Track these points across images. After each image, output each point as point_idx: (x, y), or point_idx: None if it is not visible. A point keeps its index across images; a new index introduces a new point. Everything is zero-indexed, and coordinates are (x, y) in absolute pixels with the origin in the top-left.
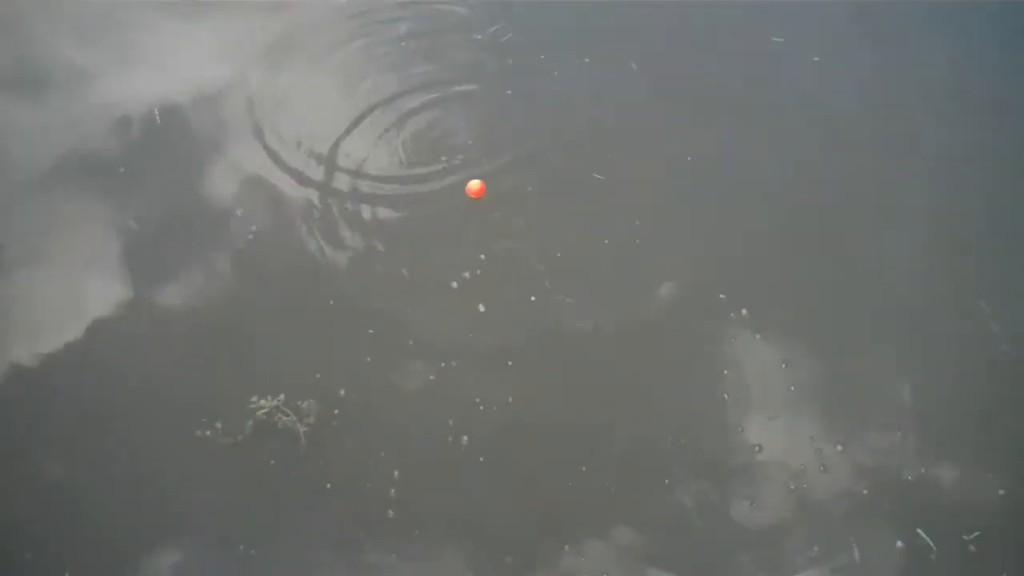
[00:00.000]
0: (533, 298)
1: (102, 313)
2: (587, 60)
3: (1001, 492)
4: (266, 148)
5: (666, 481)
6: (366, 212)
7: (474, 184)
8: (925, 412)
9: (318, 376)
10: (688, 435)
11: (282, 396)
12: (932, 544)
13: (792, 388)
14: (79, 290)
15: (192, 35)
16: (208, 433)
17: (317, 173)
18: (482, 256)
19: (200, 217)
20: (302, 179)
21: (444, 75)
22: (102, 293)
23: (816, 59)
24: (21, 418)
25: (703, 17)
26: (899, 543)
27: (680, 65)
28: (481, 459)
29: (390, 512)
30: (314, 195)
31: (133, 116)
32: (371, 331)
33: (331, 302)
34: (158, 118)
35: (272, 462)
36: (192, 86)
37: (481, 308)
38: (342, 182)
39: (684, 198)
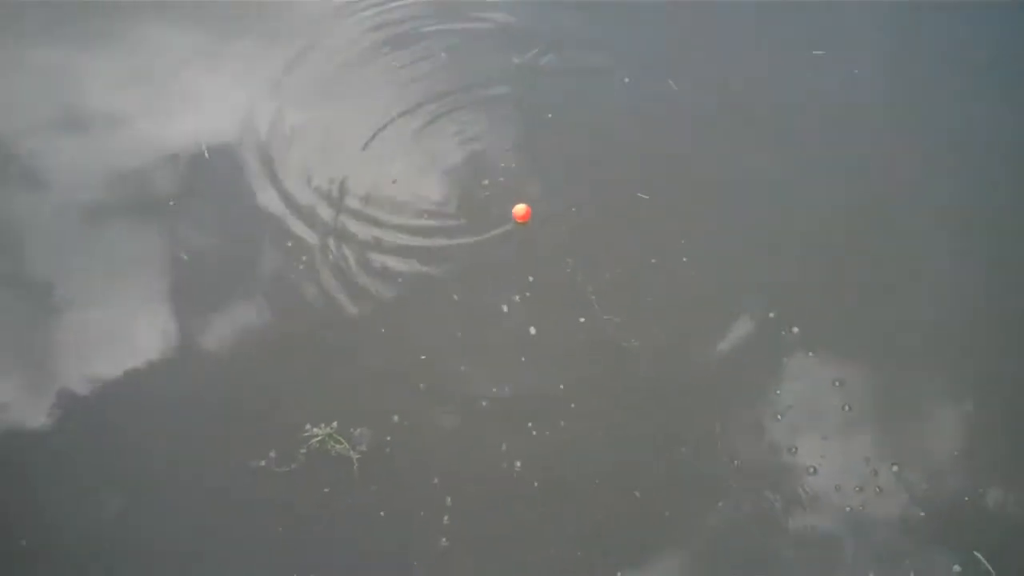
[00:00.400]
0: (582, 319)
1: (154, 347)
2: (627, 80)
3: None
4: (309, 183)
5: (719, 504)
6: (415, 240)
7: (520, 208)
8: (982, 431)
9: (371, 404)
10: (741, 456)
11: (335, 424)
12: (991, 568)
13: (846, 407)
14: (130, 325)
15: (227, 72)
16: (263, 463)
17: (364, 203)
18: (530, 278)
19: (251, 247)
20: (349, 208)
21: (485, 98)
22: (153, 327)
23: (857, 71)
24: (78, 455)
25: (743, 33)
26: (956, 567)
27: (721, 82)
28: (535, 484)
29: (443, 540)
30: (364, 224)
31: (181, 153)
32: (423, 357)
33: (383, 329)
34: (206, 153)
35: (326, 490)
36: (238, 123)
37: (532, 331)
38: (389, 211)
39: (730, 216)
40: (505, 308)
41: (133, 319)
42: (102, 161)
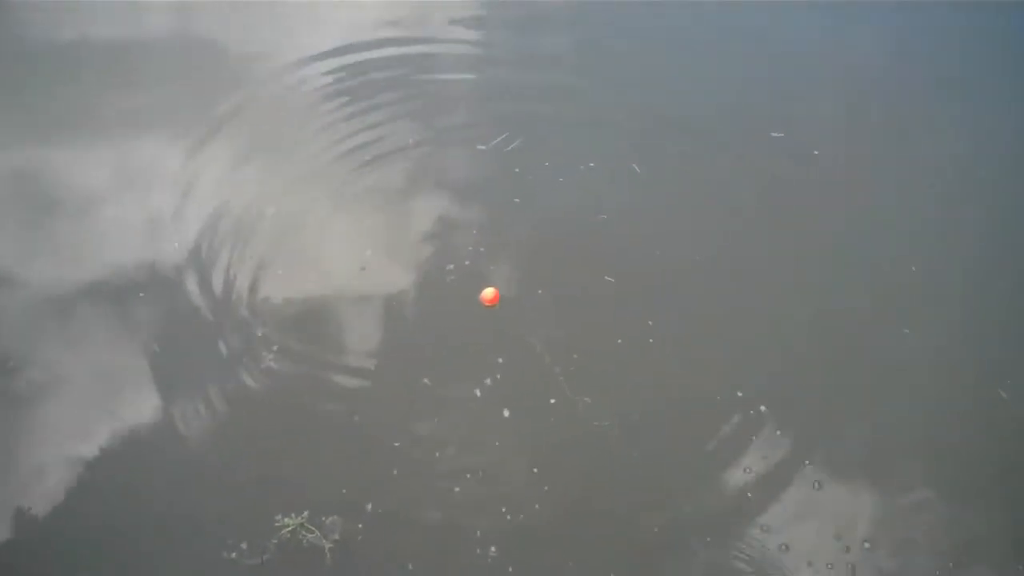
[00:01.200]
0: (552, 400)
1: (123, 436)
2: (592, 165)
3: None
4: (283, 269)
5: None
6: (385, 325)
7: (488, 292)
8: (953, 508)
9: (344, 492)
10: (713, 533)
11: (306, 513)
12: None
13: (816, 484)
14: (100, 413)
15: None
16: (234, 555)
17: (338, 289)
18: (500, 360)
19: (221, 337)
20: (324, 297)
21: (450, 184)
22: (123, 415)
23: (816, 152)
24: (45, 547)
25: (701, 117)
26: None
27: (681, 166)
28: (510, 569)
29: None
30: (338, 312)
31: (151, 231)
32: (396, 444)
33: (355, 417)
34: (176, 244)
35: None
36: (213, 208)
37: (506, 413)
38: (361, 296)
39: (694, 297)
40: (478, 392)
41: (103, 405)
42: (74, 244)
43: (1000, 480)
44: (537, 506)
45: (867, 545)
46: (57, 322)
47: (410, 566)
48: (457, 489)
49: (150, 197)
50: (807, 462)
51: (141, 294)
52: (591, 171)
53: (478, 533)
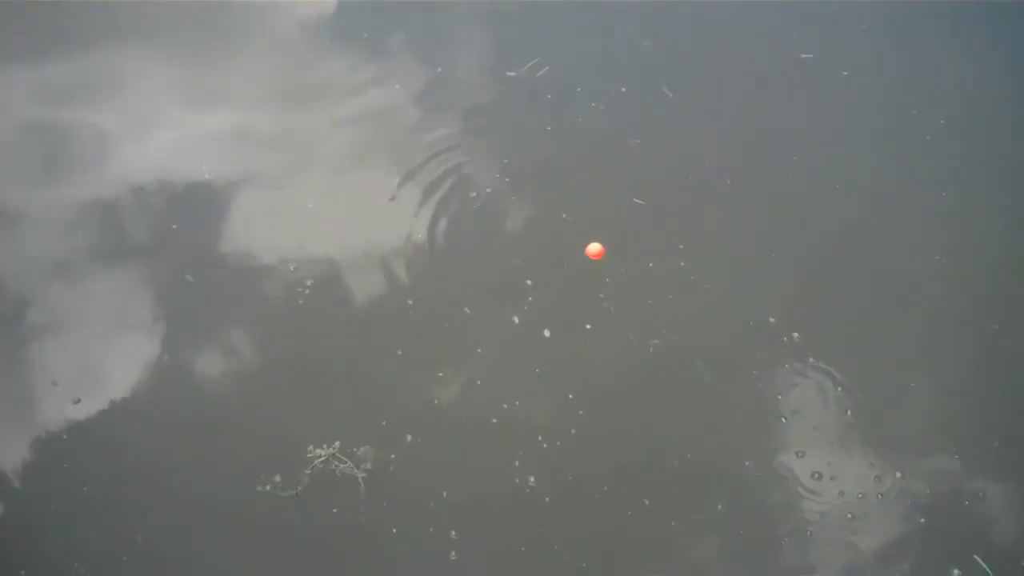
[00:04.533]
0: (588, 326)
1: (154, 374)
2: (623, 89)
3: None
4: (313, 203)
5: (719, 507)
6: (422, 253)
7: (594, 247)
8: (982, 436)
9: (384, 423)
10: (748, 459)
11: (337, 443)
12: (989, 571)
13: (849, 412)
14: (130, 350)
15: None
16: (268, 487)
17: (369, 221)
18: (529, 281)
19: (254, 272)
20: (355, 230)
21: (479, 112)
22: (153, 352)
23: (845, 73)
24: (81, 482)
25: (731, 40)
26: (956, 571)
27: (712, 90)
28: (547, 499)
29: (452, 554)
30: (371, 244)
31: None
32: (440, 374)
33: (399, 352)
34: (206, 174)
35: (334, 510)
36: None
37: (547, 333)
38: (392, 227)
39: (728, 222)
40: (516, 319)
41: (134, 344)
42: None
43: None
44: (573, 431)
45: (899, 475)
46: (77, 263)
47: (444, 494)
48: (495, 420)
49: (166, 137)
50: (840, 388)
51: (174, 226)
52: (623, 96)
53: (516, 463)
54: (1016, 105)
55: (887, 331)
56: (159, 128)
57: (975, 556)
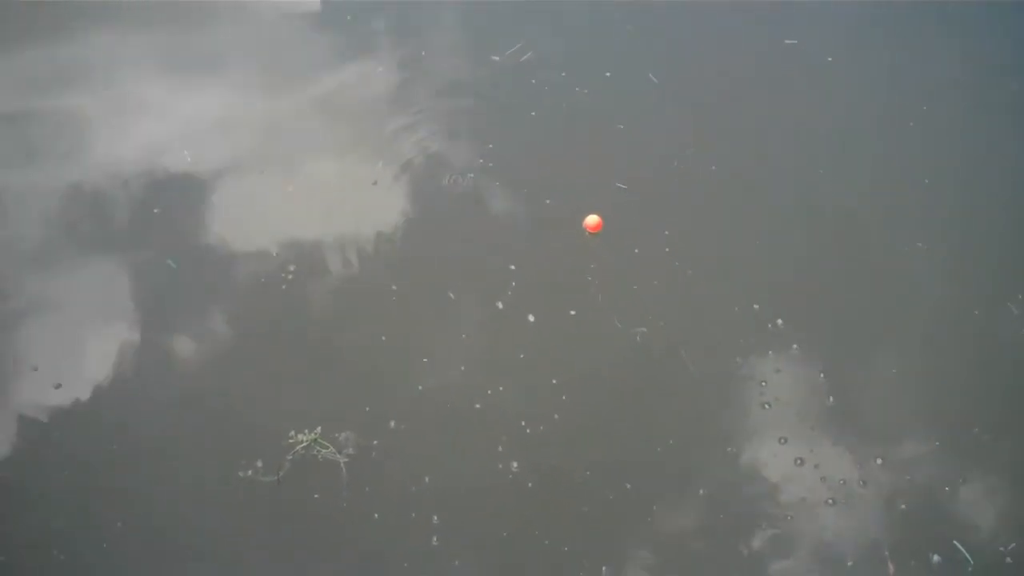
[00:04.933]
0: (573, 312)
1: (132, 360)
2: (608, 75)
3: None
4: (294, 187)
5: (700, 492)
6: (406, 238)
7: (592, 219)
8: (963, 423)
9: (367, 409)
10: (730, 445)
11: (319, 428)
12: (969, 557)
13: (831, 399)
14: (107, 335)
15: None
16: (250, 473)
17: (353, 206)
18: (512, 267)
19: (236, 258)
20: (339, 215)
21: (463, 96)
22: (130, 337)
23: (830, 59)
24: (60, 463)
25: (716, 26)
26: (936, 557)
27: (697, 75)
28: (529, 485)
29: (434, 539)
30: (355, 230)
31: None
32: (424, 360)
33: (383, 338)
34: (188, 158)
35: (316, 496)
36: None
37: (531, 319)
38: (385, 209)
39: (713, 209)
40: (500, 305)
41: (115, 329)
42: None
43: (1012, 397)
44: (556, 416)
45: (880, 461)
46: (58, 249)
47: (427, 479)
48: (478, 406)
49: (151, 126)
50: (822, 375)
51: (156, 210)
52: (607, 81)
53: (500, 448)
54: (999, 92)
55: (870, 318)
56: (140, 114)
57: (955, 542)
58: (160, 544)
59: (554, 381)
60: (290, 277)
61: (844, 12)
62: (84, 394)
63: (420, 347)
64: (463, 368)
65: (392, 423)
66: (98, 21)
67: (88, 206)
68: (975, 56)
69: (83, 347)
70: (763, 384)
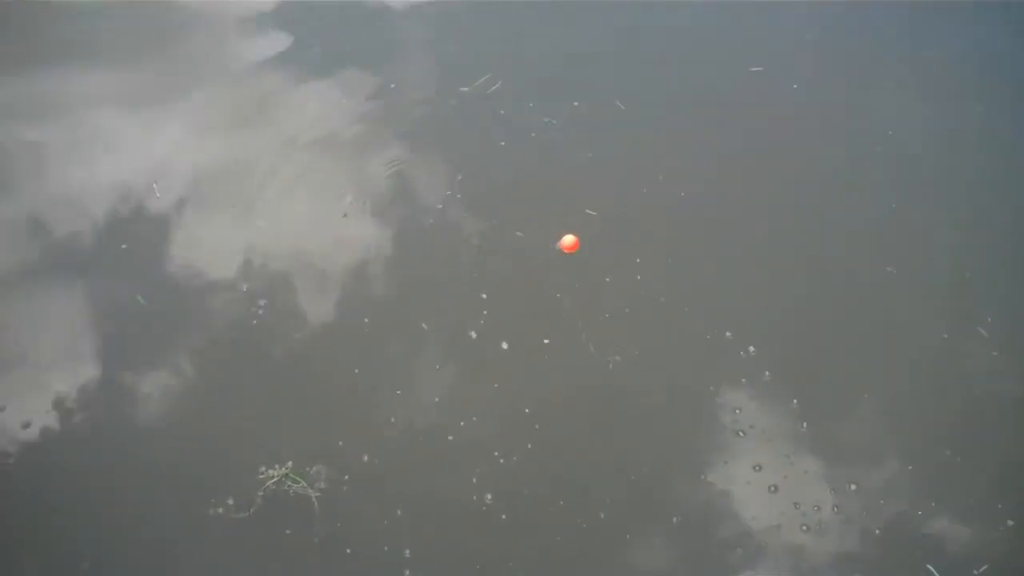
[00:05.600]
0: (546, 340)
1: (104, 394)
2: (576, 104)
3: (1010, 523)
4: (265, 221)
5: (674, 520)
6: (377, 270)
7: (568, 239)
8: (936, 447)
9: (340, 443)
10: (705, 471)
11: (289, 463)
12: None
13: (805, 425)
14: (82, 370)
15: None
16: (220, 510)
17: (323, 238)
18: (484, 296)
19: (206, 292)
20: (309, 247)
21: (431, 129)
22: (103, 372)
23: (795, 86)
24: (28, 503)
25: (681, 53)
26: None
27: (664, 103)
28: (503, 517)
29: (406, 573)
30: (325, 261)
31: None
32: (398, 392)
33: (355, 371)
34: (157, 192)
35: (288, 531)
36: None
37: (504, 346)
38: (346, 243)
39: (681, 236)
40: (473, 334)
41: (84, 367)
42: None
43: (982, 420)
44: (529, 445)
45: (853, 487)
46: (25, 283)
47: (399, 512)
48: (451, 438)
49: (118, 161)
50: (795, 401)
51: (123, 246)
52: (575, 110)
53: (474, 480)
54: (966, 114)
55: (842, 344)
56: (108, 147)
57: (928, 566)
58: None
59: (527, 410)
60: (260, 312)
61: (808, 40)
62: (52, 433)
63: (393, 380)
64: (437, 400)
65: (365, 457)
66: (67, 56)
67: (54, 239)
68: (941, 78)
69: (52, 385)
70: (737, 411)
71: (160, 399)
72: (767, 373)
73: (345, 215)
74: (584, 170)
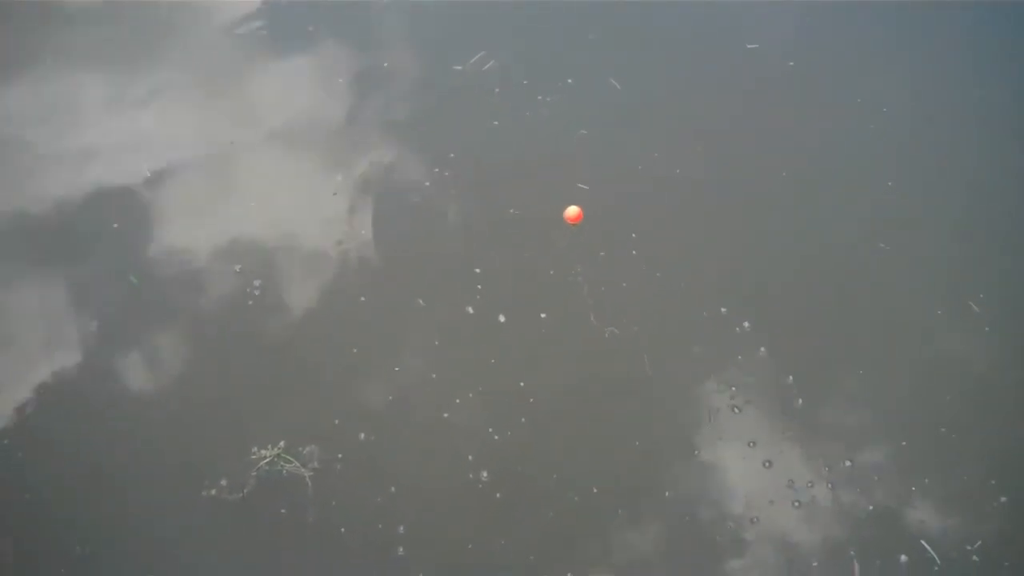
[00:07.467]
0: (543, 315)
1: (97, 376)
2: (570, 81)
3: (1003, 499)
4: (256, 201)
5: (667, 494)
6: (372, 248)
7: (572, 210)
8: (930, 424)
9: (336, 422)
10: (700, 447)
11: (282, 443)
12: (936, 556)
13: (800, 401)
14: (75, 352)
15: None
16: (214, 492)
17: (314, 217)
18: (478, 270)
19: (200, 274)
20: (301, 226)
21: (426, 108)
22: (97, 354)
23: (792, 64)
24: (20, 485)
25: (677, 30)
26: (903, 557)
27: (659, 80)
28: (497, 495)
29: (400, 550)
30: (317, 240)
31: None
32: (396, 368)
33: (354, 350)
34: (148, 173)
35: (283, 511)
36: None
37: (502, 319)
38: (349, 219)
39: (677, 212)
40: (471, 309)
41: (77, 348)
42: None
43: (976, 395)
44: (523, 419)
45: (848, 463)
46: (17, 262)
47: (393, 489)
48: (446, 415)
49: (106, 140)
50: (790, 378)
51: (115, 225)
52: (569, 88)
53: (470, 457)
54: (962, 95)
55: (837, 321)
56: (98, 131)
57: (922, 541)
58: (125, 567)
59: (521, 384)
60: (256, 292)
61: (805, 17)
62: (42, 416)
63: (391, 357)
64: (434, 376)
65: (362, 435)
66: (55, 52)
67: (46, 224)
68: (937, 59)
69: (42, 366)
70: (732, 388)
71: (152, 379)
72: (762, 349)
73: (335, 193)
74: (578, 148)
